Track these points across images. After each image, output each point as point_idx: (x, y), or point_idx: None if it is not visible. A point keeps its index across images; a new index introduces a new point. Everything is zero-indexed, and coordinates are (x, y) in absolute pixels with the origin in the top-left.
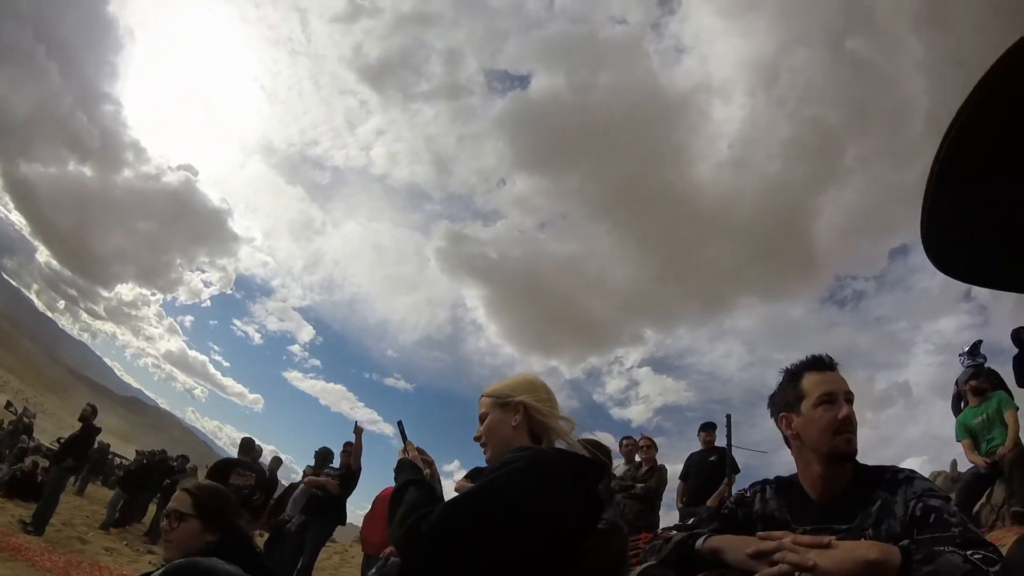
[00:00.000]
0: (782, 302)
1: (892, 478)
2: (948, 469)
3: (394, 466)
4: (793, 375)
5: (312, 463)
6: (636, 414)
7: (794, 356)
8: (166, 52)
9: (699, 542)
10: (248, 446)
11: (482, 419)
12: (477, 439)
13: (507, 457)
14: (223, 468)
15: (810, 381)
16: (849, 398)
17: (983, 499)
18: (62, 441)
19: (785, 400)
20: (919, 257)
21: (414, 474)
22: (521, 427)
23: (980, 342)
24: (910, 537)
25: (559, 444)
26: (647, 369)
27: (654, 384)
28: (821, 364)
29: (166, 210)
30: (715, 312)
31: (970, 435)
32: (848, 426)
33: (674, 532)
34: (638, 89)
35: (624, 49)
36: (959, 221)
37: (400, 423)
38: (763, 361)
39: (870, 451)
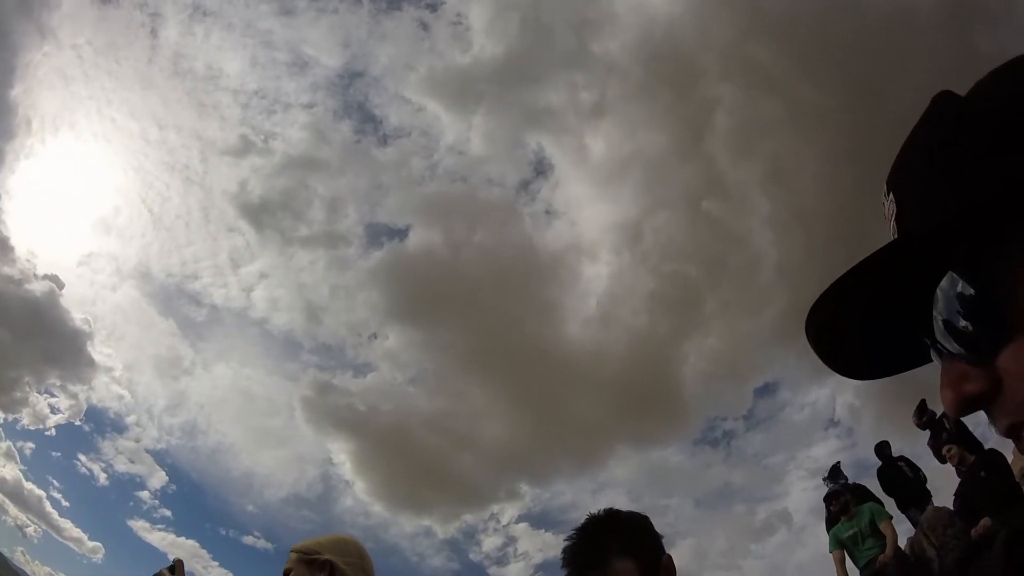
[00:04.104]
0: (657, 448)
1: None
2: None
3: None
4: None
5: None
6: (516, 572)
7: (677, 500)
8: (60, 153)
9: None
10: None
11: (286, 575)
12: None
13: None
14: None
15: None
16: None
17: None
18: None
19: None
20: (783, 393)
21: None
22: None
23: (839, 463)
24: None
25: None
26: (524, 525)
27: (533, 540)
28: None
29: (23, 320)
30: (591, 464)
31: (842, 547)
32: None
33: None
34: (511, 248)
35: (499, 210)
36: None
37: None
38: (648, 508)
39: None
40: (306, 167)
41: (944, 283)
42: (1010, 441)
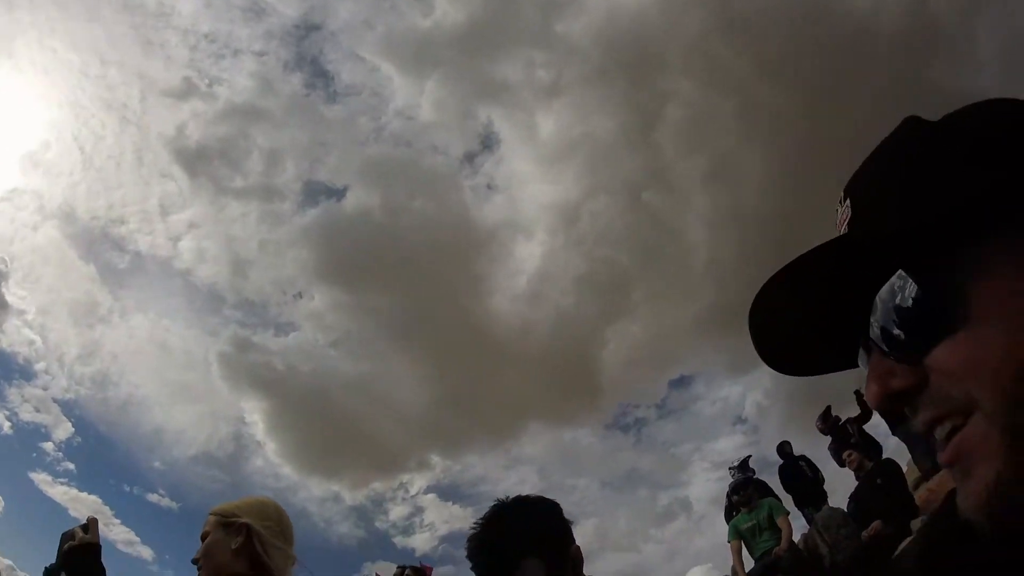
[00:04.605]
0: (570, 429)
1: None
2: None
3: None
4: None
5: None
6: (421, 542)
7: (585, 481)
8: None
9: None
10: None
11: (203, 538)
12: (195, 562)
13: None
14: None
15: None
16: None
17: None
18: None
19: None
20: (697, 387)
21: None
22: (241, 553)
23: (749, 457)
24: None
25: None
26: (433, 496)
27: (440, 511)
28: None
29: None
30: (505, 439)
31: (740, 538)
32: None
33: None
34: (448, 218)
35: (441, 179)
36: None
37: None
38: (556, 487)
39: (662, 563)
40: (249, 116)
41: (894, 281)
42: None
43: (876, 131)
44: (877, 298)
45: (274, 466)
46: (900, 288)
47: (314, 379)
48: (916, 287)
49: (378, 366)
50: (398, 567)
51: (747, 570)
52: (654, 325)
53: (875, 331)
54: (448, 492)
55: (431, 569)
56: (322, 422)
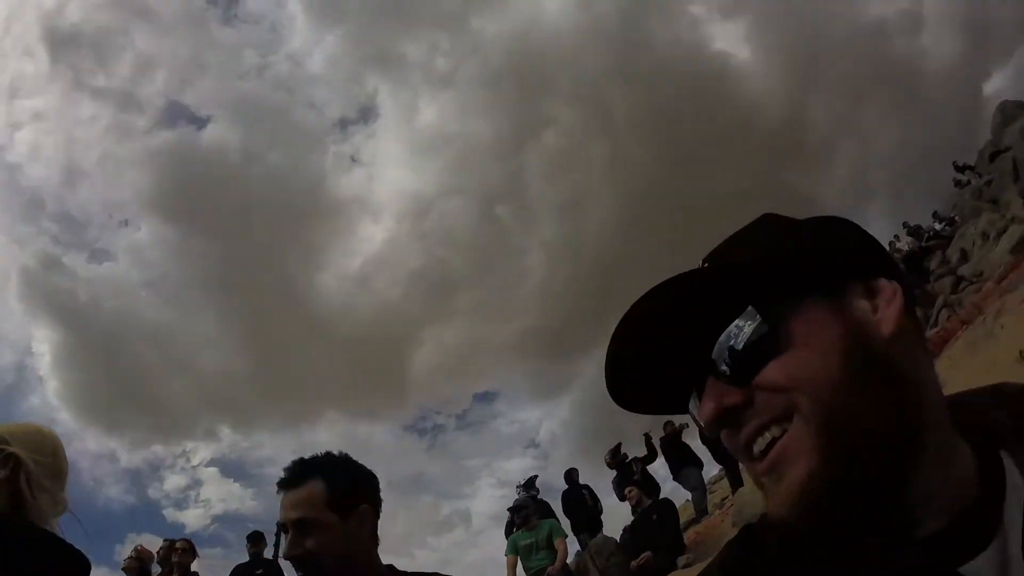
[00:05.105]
0: (367, 422)
1: None
2: None
3: None
4: None
5: None
6: (193, 518)
7: None
8: None
9: None
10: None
11: None
12: None
13: None
14: None
15: None
16: (303, 525)
17: None
18: None
19: None
20: (499, 404)
21: None
22: (2, 487)
23: (535, 477)
24: None
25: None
26: (215, 470)
27: (219, 487)
28: (280, 484)
29: None
30: (300, 422)
31: (517, 553)
32: (296, 563)
33: None
34: (302, 180)
35: (308, 137)
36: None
37: None
38: None
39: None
40: (137, 12)
41: (746, 314)
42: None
43: (726, 209)
44: (731, 326)
45: (52, 408)
46: (742, 322)
47: (116, 319)
48: (756, 319)
49: (185, 319)
50: (165, 540)
51: None
52: (472, 336)
53: (716, 353)
54: (232, 468)
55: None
56: (113, 369)
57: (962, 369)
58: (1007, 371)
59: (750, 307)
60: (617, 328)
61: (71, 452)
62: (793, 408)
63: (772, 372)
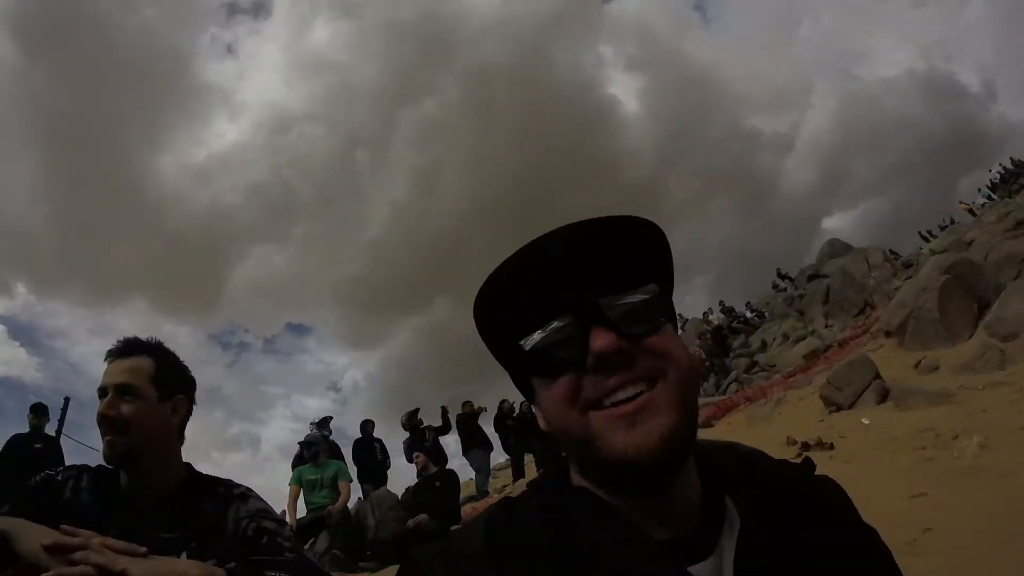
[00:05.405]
0: (173, 321)
1: (226, 492)
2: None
3: None
4: None
5: None
6: None
7: None
8: None
9: None
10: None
11: None
12: None
13: None
14: None
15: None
16: (125, 390)
17: (307, 546)
18: None
19: None
20: (309, 340)
21: None
22: None
23: (330, 418)
24: (238, 556)
25: None
26: (2, 328)
27: (3, 349)
28: (110, 353)
29: None
30: (103, 301)
31: (300, 486)
32: (107, 423)
33: None
34: (169, 50)
35: (190, 7)
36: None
37: None
38: None
39: None
40: None
41: (650, 289)
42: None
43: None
44: (634, 294)
45: None
46: (647, 295)
47: None
48: (658, 299)
49: (4, 153)
50: None
51: (298, 516)
52: (299, 266)
53: (616, 306)
54: (20, 331)
55: None
56: None
57: (737, 436)
58: (775, 450)
59: (654, 285)
60: (538, 239)
61: None
62: (660, 374)
63: (658, 342)
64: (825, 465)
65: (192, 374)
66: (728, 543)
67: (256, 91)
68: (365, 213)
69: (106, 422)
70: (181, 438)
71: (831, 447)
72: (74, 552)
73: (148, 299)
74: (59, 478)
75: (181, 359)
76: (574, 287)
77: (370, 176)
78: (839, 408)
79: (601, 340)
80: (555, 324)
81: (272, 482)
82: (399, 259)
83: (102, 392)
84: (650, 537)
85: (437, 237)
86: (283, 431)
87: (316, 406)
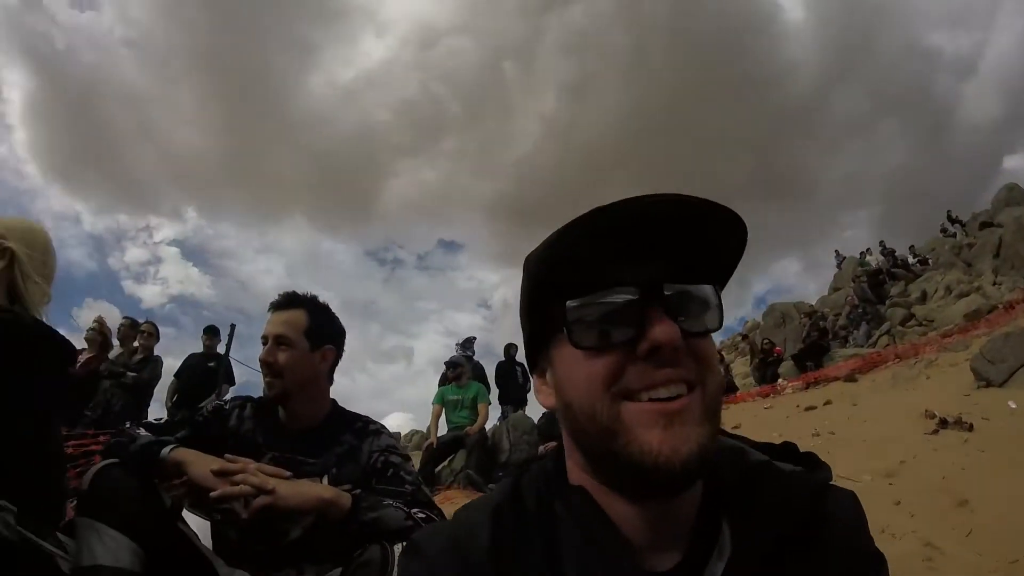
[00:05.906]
0: (331, 238)
1: (363, 427)
2: (424, 431)
3: None
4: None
5: None
6: (149, 295)
7: (328, 294)
8: None
9: (165, 451)
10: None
11: None
12: None
13: None
14: None
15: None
16: (281, 341)
17: (445, 463)
18: None
19: None
20: (461, 257)
21: None
22: (1, 277)
23: (474, 339)
24: (368, 484)
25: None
26: (176, 250)
27: (178, 269)
28: (272, 305)
29: None
30: (266, 220)
31: (443, 405)
32: (266, 368)
33: (140, 431)
34: None
35: None
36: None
37: None
38: (298, 289)
39: (368, 397)
40: None
41: (715, 291)
42: None
43: (710, 155)
44: (699, 288)
45: (19, 160)
46: (712, 295)
47: (93, 75)
48: (717, 302)
49: (166, 89)
50: (125, 318)
51: (439, 435)
52: (450, 183)
53: (684, 296)
54: (193, 252)
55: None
56: (86, 127)
57: (878, 397)
58: (911, 422)
59: (715, 287)
60: (621, 201)
61: (37, 209)
62: (699, 381)
63: (705, 346)
64: (957, 450)
65: (342, 325)
66: (715, 570)
67: (401, 7)
68: (514, 127)
69: (265, 367)
70: (330, 380)
71: (970, 428)
72: (235, 475)
73: (306, 216)
74: (227, 408)
75: (333, 312)
76: (643, 260)
77: (519, 89)
78: (989, 384)
79: (665, 329)
80: (615, 295)
81: (424, 394)
82: (548, 175)
83: (264, 340)
84: (637, 567)
85: (587, 152)
86: (435, 345)
87: (467, 322)
